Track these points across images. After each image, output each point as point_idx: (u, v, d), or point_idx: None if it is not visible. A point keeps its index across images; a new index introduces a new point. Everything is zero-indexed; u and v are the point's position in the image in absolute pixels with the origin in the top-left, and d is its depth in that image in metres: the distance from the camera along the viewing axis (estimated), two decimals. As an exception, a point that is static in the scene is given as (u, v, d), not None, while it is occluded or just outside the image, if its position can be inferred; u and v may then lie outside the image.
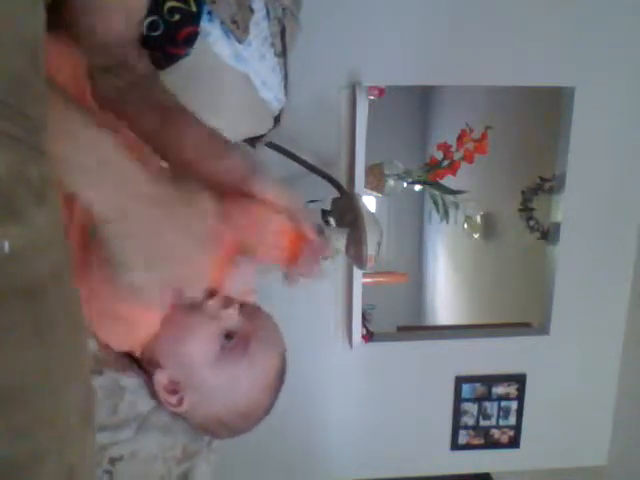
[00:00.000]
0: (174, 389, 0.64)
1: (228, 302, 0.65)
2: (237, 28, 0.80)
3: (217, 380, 0.64)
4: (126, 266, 0.48)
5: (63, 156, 0.43)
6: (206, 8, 0.77)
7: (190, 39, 0.76)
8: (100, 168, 0.44)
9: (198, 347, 0.63)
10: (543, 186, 2.18)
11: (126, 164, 0.46)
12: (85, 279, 0.56)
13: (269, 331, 0.70)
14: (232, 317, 0.65)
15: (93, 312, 0.56)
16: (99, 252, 0.49)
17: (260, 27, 0.88)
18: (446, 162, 2.00)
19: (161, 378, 0.63)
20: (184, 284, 0.51)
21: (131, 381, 0.61)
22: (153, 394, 0.64)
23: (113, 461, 0.57)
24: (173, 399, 0.63)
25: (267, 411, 0.69)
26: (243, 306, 0.68)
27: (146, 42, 0.72)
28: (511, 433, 2.18)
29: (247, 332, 0.66)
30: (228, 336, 0.65)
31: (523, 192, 2.28)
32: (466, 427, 2.16)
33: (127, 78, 0.64)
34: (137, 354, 0.64)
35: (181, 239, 0.49)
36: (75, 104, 0.44)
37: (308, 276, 0.60)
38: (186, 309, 0.63)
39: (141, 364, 0.65)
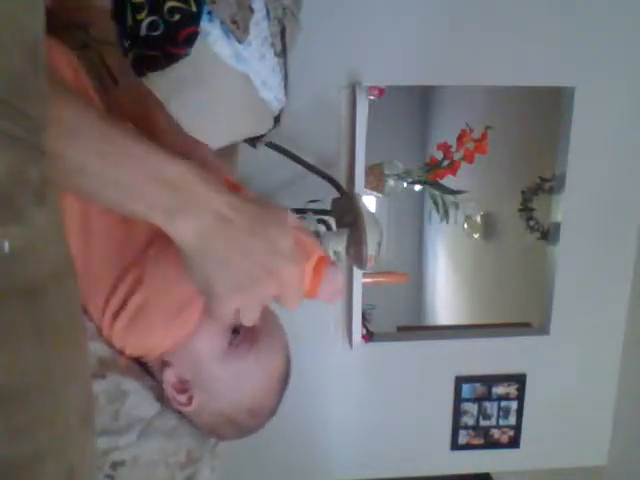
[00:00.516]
0: (183, 387, 0.64)
1: None
2: (237, 28, 0.80)
3: (225, 375, 0.64)
4: (218, 296, 0.47)
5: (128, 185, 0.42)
6: (206, 8, 0.77)
7: (190, 39, 0.76)
8: (175, 192, 0.43)
9: (206, 342, 0.63)
10: (543, 186, 2.18)
11: (203, 180, 0.45)
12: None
13: (275, 328, 0.70)
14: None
15: (124, 319, 0.57)
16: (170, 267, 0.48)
17: (260, 27, 0.88)
18: (446, 162, 2.00)
19: (170, 376, 0.63)
20: (279, 300, 0.50)
21: (134, 385, 0.61)
22: (160, 396, 0.64)
23: (115, 466, 0.57)
24: (182, 398, 0.63)
25: (273, 409, 0.69)
26: None
27: (146, 42, 0.72)
28: (511, 433, 2.18)
29: (254, 327, 0.65)
30: (235, 331, 0.65)
31: (523, 192, 2.27)
32: (466, 427, 2.16)
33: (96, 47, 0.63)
34: (147, 358, 0.64)
35: (269, 257, 0.48)
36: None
37: (329, 301, 0.59)
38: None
39: (148, 366, 0.65)
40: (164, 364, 0.63)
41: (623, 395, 2.15)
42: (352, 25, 1.81)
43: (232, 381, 0.64)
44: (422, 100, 3.51)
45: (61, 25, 0.60)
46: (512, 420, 2.16)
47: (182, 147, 0.59)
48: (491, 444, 2.18)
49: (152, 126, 0.59)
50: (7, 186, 0.26)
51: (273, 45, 0.93)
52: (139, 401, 0.61)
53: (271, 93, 0.98)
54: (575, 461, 2.24)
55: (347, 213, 1.47)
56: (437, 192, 2.13)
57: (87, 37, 0.62)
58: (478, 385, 2.12)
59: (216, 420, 0.66)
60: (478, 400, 2.13)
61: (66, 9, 0.63)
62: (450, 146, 1.99)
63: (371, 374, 2.10)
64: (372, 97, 1.87)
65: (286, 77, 1.02)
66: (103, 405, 0.57)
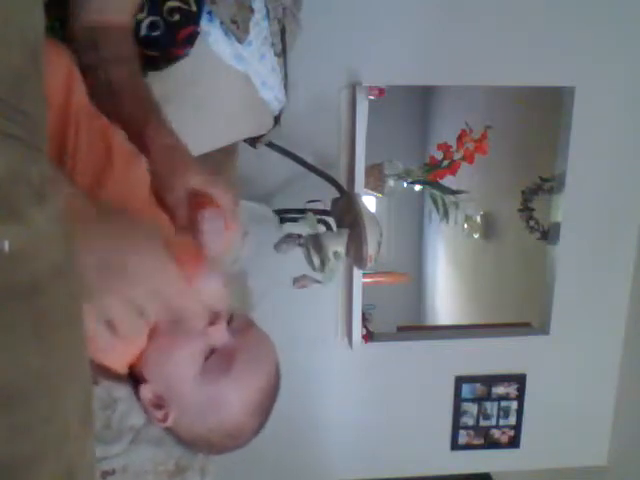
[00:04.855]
0: (159, 404, 0.63)
1: (214, 318, 0.64)
2: (237, 28, 0.80)
3: (199, 397, 0.63)
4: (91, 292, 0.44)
5: None
6: (206, 8, 0.77)
7: (190, 39, 0.76)
8: None
9: (180, 363, 0.62)
10: (543, 186, 2.17)
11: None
12: None
13: (257, 349, 0.68)
14: (219, 334, 0.64)
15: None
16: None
17: (260, 27, 0.88)
18: (446, 162, 2.00)
19: (146, 392, 0.62)
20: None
21: (124, 393, 0.61)
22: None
23: (105, 475, 0.57)
24: (159, 414, 0.63)
25: (255, 432, 0.68)
26: (232, 322, 0.67)
27: (146, 42, 0.72)
28: (511, 433, 2.18)
29: (231, 349, 0.64)
30: (213, 353, 0.64)
31: (523, 192, 2.27)
32: (466, 427, 2.16)
33: (119, 74, 0.63)
34: (125, 371, 0.63)
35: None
36: None
37: (210, 246, 0.57)
38: (173, 324, 0.62)
39: (130, 379, 0.64)
40: (141, 380, 0.63)
41: (623, 395, 2.15)
42: (352, 25, 1.81)
43: (208, 404, 0.63)
44: (422, 100, 3.51)
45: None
46: (512, 420, 2.16)
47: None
48: (491, 444, 2.18)
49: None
50: (7, 186, 0.26)
51: (273, 45, 0.93)
52: (129, 409, 0.61)
53: (271, 93, 0.97)
54: (575, 461, 2.24)
55: (347, 213, 1.47)
56: (437, 192, 2.13)
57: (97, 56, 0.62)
58: (478, 385, 2.12)
59: (193, 438, 0.65)
60: (478, 400, 2.13)
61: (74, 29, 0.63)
62: (450, 146, 1.99)
63: (371, 374, 2.10)
64: (372, 97, 1.87)
65: (286, 77, 1.02)
66: (95, 411, 0.56)
